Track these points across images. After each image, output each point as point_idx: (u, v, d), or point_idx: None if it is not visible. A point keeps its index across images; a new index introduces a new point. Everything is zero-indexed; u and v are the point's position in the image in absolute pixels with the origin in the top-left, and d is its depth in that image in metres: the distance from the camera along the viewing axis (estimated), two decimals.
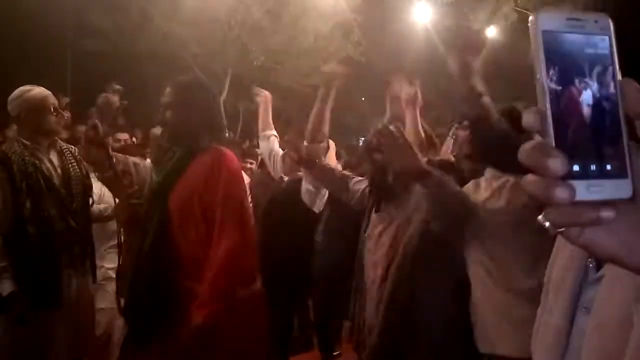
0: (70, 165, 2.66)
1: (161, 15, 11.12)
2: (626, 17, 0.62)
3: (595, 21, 0.47)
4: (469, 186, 2.05)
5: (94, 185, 2.82)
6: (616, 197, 0.45)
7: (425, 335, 2.02)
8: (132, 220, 2.27)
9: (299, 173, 3.02)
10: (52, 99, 2.63)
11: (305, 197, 2.89)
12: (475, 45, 1.77)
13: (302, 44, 11.71)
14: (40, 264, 2.46)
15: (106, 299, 3.02)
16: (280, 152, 3.30)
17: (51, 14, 10.91)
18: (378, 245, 2.17)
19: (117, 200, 2.39)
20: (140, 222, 2.20)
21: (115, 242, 2.48)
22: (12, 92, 2.61)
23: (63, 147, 2.69)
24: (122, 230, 2.33)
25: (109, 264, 3.06)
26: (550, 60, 0.45)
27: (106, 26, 11.30)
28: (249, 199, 2.78)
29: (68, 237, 2.55)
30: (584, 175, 0.45)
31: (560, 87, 0.45)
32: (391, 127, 1.86)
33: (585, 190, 0.44)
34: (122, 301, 2.21)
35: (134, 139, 4.54)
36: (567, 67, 0.46)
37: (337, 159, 3.90)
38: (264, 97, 3.37)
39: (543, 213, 0.46)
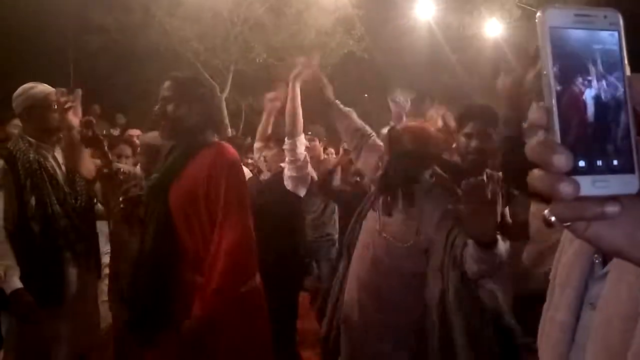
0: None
1: (163, 12, 11.10)
2: (636, 13, 0.61)
3: (605, 16, 0.47)
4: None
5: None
6: (623, 192, 0.45)
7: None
8: (130, 215, 2.28)
9: (282, 164, 3.19)
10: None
11: (288, 183, 3.11)
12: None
13: (304, 40, 11.68)
14: (44, 261, 2.47)
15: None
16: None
17: (53, 12, 10.91)
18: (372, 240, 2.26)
19: (107, 198, 2.40)
20: (139, 216, 2.21)
21: None
22: (14, 89, 2.61)
23: None
24: (110, 223, 2.33)
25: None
26: (557, 57, 0.45)
27: (108, 23, 11.29)
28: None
29: (72, 234, 2.56)
30: (590, 170, 0.45)
31: (567, 84, 0.45)
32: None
33: (591, 186, 0.44)
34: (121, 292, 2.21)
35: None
36: (575, 63, 0.46)
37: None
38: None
39: (549, 208, 0.46)
